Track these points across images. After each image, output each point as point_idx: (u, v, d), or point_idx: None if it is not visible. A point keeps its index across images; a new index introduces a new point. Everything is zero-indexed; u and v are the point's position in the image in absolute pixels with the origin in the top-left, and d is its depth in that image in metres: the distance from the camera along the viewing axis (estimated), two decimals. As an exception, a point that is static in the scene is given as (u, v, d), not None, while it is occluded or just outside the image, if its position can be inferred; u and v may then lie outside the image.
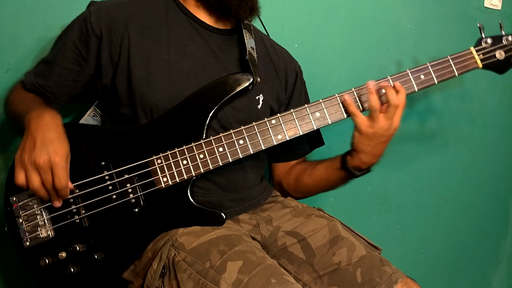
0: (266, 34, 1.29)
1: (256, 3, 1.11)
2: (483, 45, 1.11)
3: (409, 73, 1.08)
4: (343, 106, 1.06)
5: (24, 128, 0.93)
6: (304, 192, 1.26)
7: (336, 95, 1.06)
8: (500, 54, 1.11)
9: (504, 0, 1.84)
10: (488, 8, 1.82)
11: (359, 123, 1.04)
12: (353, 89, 1.06)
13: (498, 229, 2.12)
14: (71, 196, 0.98)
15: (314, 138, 1.27)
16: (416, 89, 1.08)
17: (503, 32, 1.12)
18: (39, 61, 1.09)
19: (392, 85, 1.05)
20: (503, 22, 1.14)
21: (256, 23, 1.27)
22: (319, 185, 1.22)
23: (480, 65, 1.11)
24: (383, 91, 1.04)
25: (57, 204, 0.97)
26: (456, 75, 1.10)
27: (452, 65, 1.09)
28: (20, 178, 0.90)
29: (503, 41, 1.11)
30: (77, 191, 0.99)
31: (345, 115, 1.06)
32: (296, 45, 1.52)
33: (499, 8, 1.83)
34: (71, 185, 0.95)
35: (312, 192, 1.26)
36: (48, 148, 0.89)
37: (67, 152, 0.92)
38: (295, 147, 1.25)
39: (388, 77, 1.07)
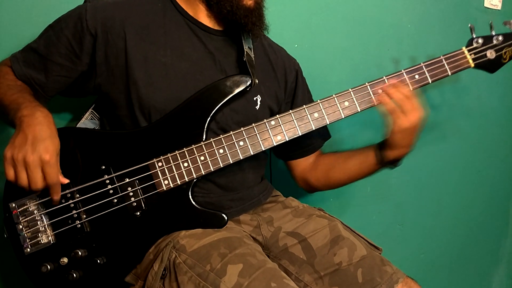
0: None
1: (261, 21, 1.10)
2: (475, 45, 1.12)
3: (404, 73, 1.09)
4: (341, 108, 1.06)
5: (12, 122, 0.93)
6: (336, 185, 1.27)
7: (334, 95, 1.06)
8: (491, 54, 1.12)
9: (504, 0, 1.84)
10: (488, 8, 1.82)
11: (399, 118, 1.05)
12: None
13: (498, 229, 2.12)
14: (72, 201, 0.98)
15: (322, 132, 1.27)
16: (411, 88, 1.09)
17: (494, 32, 1.13)
18: (27, 47, 1.05)
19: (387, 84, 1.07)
20: (503, 22, 1.14)
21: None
22: (353, 178, 1.23)
23: (472, 65, 1.13)
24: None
25: (55, 197, 0.95)
26: (449, 74, 1.11)
27: (445, 64, 1.11)
28: (10, 174, 0.89)
29: (494, 40, 1.12)
30: (78, 195, 0.98)
31: (343, 115, 1.07)
32: (296, 45, 1.52)
33: (499, 8, 1.84)
34: (64, 179, 0.94)
35: (344, 184, 1.27)
36: (39, 146, 0.88)
37: (57, 149, 0.92)
38: (308, 142, 1.25)
39: (384, 77, 1.08)
